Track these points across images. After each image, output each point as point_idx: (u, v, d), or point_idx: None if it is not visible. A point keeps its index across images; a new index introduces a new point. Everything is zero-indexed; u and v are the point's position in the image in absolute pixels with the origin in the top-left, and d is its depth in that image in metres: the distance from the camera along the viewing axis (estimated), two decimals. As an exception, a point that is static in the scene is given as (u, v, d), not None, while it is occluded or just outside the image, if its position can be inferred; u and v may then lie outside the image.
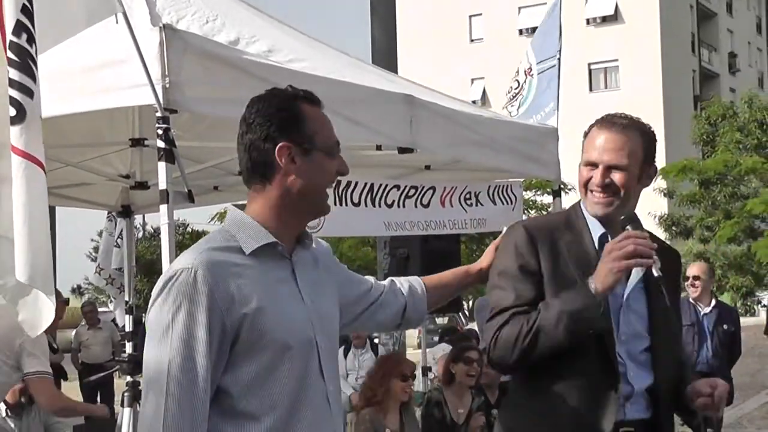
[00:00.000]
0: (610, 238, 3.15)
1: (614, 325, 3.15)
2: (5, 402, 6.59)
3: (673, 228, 39.56)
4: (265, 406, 2.58)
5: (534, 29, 8.62)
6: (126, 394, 6.11)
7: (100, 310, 17.19)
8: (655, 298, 3.22)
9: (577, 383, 3.15)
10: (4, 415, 6.60)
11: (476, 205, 7.10)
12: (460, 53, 56.82)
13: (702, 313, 8.81)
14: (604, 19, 54.78)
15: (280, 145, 2.65)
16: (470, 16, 58.47)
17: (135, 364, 6.19)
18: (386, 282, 3.31)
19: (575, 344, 3.08)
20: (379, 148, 6.07)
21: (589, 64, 54.47)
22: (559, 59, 7.62)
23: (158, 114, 4.28)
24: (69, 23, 3.97)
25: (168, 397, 2.48)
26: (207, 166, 6.60)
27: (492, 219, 7.13)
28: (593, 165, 3.20)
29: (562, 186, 7.69)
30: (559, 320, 3.06)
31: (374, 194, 6.39)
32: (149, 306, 2.60)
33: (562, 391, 3.17)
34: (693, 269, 9.05)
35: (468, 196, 7.06)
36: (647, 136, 3.25)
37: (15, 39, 3.49)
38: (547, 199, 32.17)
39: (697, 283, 8.83)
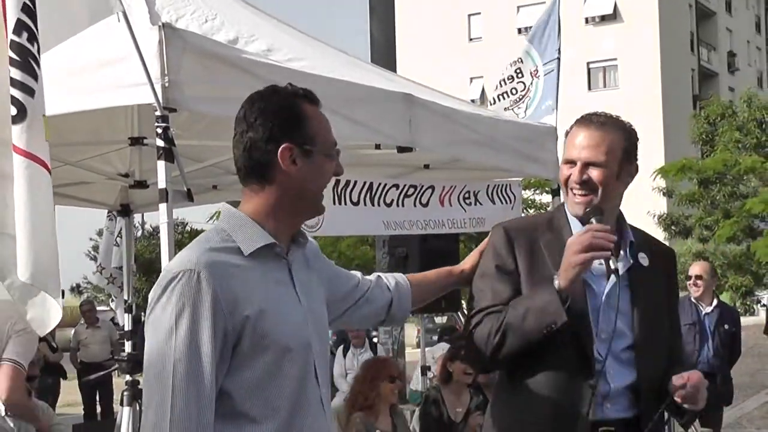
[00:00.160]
0: None
1: (593, 324, 3.14)
2: (3, 402, 6.59)
3: (672, 227, 39.56)
4: (266, 410, 2.56)
5: (533, 29, 8.60)
6: (125, 393, 6.11)
7: (98, 309, 17.19)
8: (640, 296, 3.22)
9: (555, 381, 3.16)
10: (3, 414, 6.59)
11: (475, 204, 7.11)
12: (459, 52, 56.81)
13: (703, 312, 8.81)
14: (603, 18, 54.77)
15: (283, 146, 2.63)
16: (469, 15, 58.47)
17: (134, 363, 6.19)
18: (372, 277, 3.30)
19: (548, 341, 3.08)
20: (378, 147, 6.07)
21: (588, 63, 54.46)
22: (558, 58, 7.63)
23: (157, 113, 4.27)
24: (71, 22, 3.98)
25: (174, 402, 2.45)
26: (206, 164, 6.60)
27: (491, 218, 7.12)
28: (572, 163, 3.23)
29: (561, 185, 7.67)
30: (524, 317, 3.09)
31: (373, 193, 6.39)
32: (149, 307, 2.56)
33: (540, 390, 3.18)
34: (695, 269, 9.04)
35: (467, 195, 7.06)
36: (627, 133, 3.26)
37: (15, 38, 3.50)
38: (546, 198, 32.16)
39: (699, 282, 8.82)
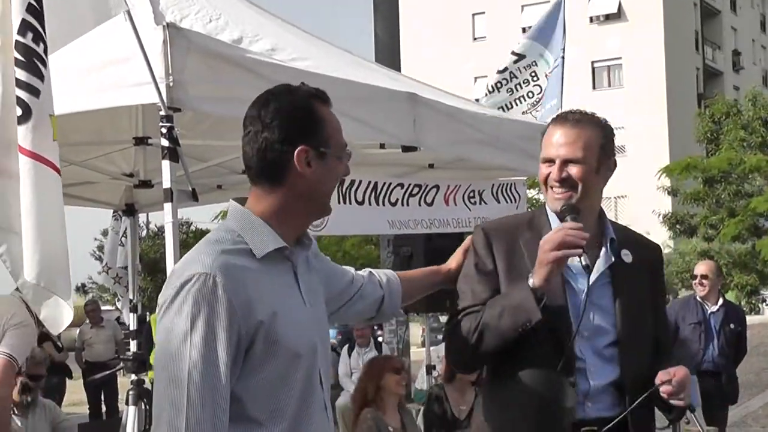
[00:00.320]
0: None
1: (574, 321, 3.13)
2: (11, 400, 6.61)
3: (677, 226, 39.56)
4: (273, 413, 2.55)
5: (538, 28, 8.60)
6: (131, 392, 6.11)
7: (103, 308, 17.19)
8: (623, 292, 3.21)
9: (536, 380, 3.15)
10: (10, 413, 6.61)
11: (480, 203, 7.10)
12: (463, 51, 56.77)
13: (709, 311, 8.79)
14: (608, 17, 54.73)
15: (299, 148, 2.60)
16: (473, 15, 58.44)
17: (140, 363, 6.20)
18: (365, 273, 3.29)
19: (528, 339, 3.09)
20: (382, 146, 6.08)
21: (593, 62, 54.43)
22: (563, 57, 7.64)
23: (162, 112, 4.28)
24: (78, 23, 3.98)
25: (189, 406, 2.41)
26: (210, 164, 6.60)
27: (496, 217, 7.11)
28: (550, 161, 3.23)
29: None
30: (500, 316, 3.10)
31: (378, 192, 6.39)
32: (161, 309, 2.51)
33: (522, 389, 3.18)
34: (701, 268, 9.02)
35: (471, 194, 7.05)
36: (602, 129, 3.27)
37: (20, 38, 3.50)
38: (551, 197, 32.11)
39: (705, 282, 8.81)
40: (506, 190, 7.30)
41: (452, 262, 3.45)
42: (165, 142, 4.32)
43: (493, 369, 3.33)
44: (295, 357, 2.57)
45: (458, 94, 6.80)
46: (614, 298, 3.21)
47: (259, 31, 5.13)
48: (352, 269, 3.27)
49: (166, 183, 4.34)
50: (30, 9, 3.51)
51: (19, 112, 3.48)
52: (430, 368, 9.64)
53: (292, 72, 4.73)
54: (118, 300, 8.53)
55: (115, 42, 4.45)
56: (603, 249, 3.25)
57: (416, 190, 6.68)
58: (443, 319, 23.33)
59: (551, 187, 3.23)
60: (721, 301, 8.90)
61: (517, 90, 7.91)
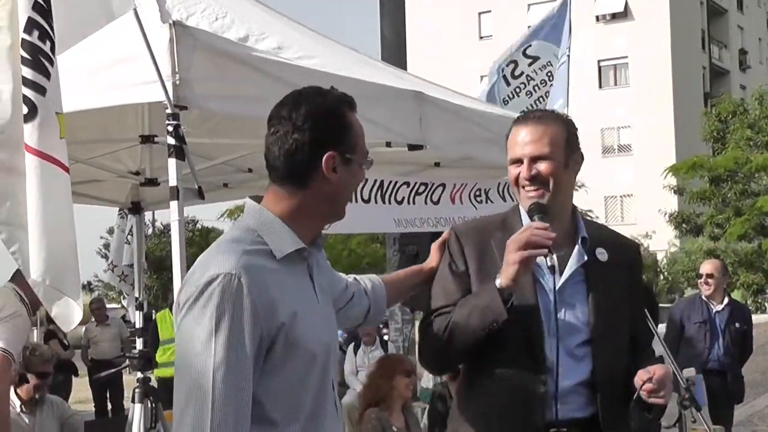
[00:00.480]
0: None
1: (545, 321, 3.13)
2: (19, 398, 6.63)
3: (684, 225, 39.49)
4: (289, 414, 2.56)
5: (544, 27, 8.60)
6: (137, 390, 6.11)
7: (108, 306, 17.21)
8: (597, 290, 3.19)
9: (506, 381, 3.15)
10: (18, 410, 6.63)
11: (486, 201, 7.09)
12: (469, 50, 56.74)
13: (714, 310, 8.79)
14: (614, 16, 54.70)
15: (328, 153, 2.61)
16: (479, 13, 58.43)
17: (146, 360, 6.21)
18: (351, 279, 3.31)
19: (499, 340, 3.09)
20: (388, 145, 6.07)
21: (599, 61, 54.39)
22: (568, 56, 7.63)
23: (168, 111, 4.27)
24: (89, 21, 3.98)
25: (214, 408, 2.40)
26: (217, 162, 6.61)
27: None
28: (518, 161, 3.24)
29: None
30: (468, 316, 3.10)
31: (384, 191, 6.38)
32: (184, 308, 2.50)
33: (492, 390, 3.19)
34: (706, 267, 9.02)
35: (478, 192, 7.04)
36: (565, 123, 3.29)
37: (27, 36, 3.50)
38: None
39: (710, 281, 8.80)
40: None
41: (432, 260, 3.44)
42: (171, 140, 4.32)
43: (466, 369, 3.34)
44: (312, 358, 2.59)
45: (464, 93, 6.79)
46: (587, 297, 3.19)
47: (265, 30, 5.13)
48: (343, 275, 3.29)
49: (173, 181, 4.34)
50: (36, 7, 3.52)
51: (24, 110, 3.48)
52: (435, 367, 9.61)
53: (298, 70, 4.73)
54: (124, 298, 8.54)
55: (122, 40, 4.45)
56: (577, 247, 3.23)
57: (422, 188, 6.68)
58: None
59: (523, 187, 3.23)
60: (726, 300, 8.89)
61: (535, 91, 7.92)
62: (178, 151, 4.33)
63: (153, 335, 11.52)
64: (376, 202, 6.31)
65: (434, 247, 3.45)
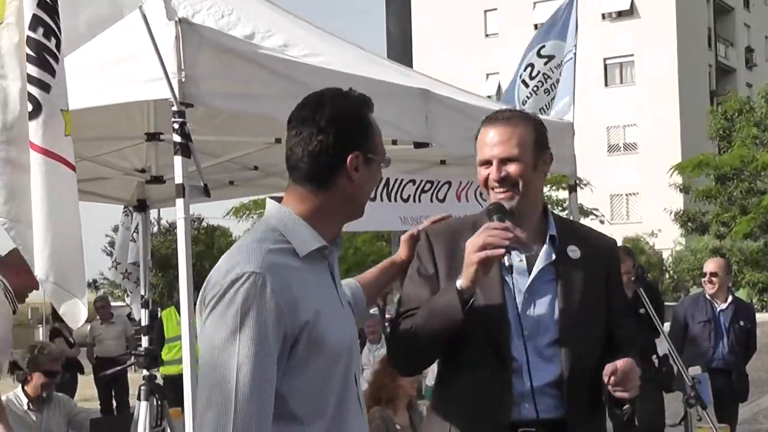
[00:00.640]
0: None
1: (514, 321, 3.11)
2: (27, 395, 6.64)
3: (689, 224, 39.51)
4: (314, 411, 2.57)
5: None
6: (143, 387, 6.11)
7: (113, 304, 17.23)
8: (567, 289, 3.16)
9: (474, 381, 3.14)
10: (25, 408, 6.64)
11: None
12: (475, 48, 56.77)
13: (718, 309, 8.77)
14: (620, 14, 54.65)
15: (352, 154, 2.65)
16: (485, 11, 58.42)
17: (151, 358, 6.21)
18: None
19: (466, 341, 3.08)
20: (394, 142, 6.07)
21: (605, 59, 54.34)
22: (575, 53, 7.62)
23: (174, 108, 4.27)
24: (98, 20, 3.97)
25: (237, 406, 2.42)
26: (223, 160, 6.61)
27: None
28: (488, 163, 3.22)
29: (577, 181, 7.66)
30: (430, 317, 3.09)
31: (390, 189, 6.38)
32: (209, 307, 2.51)
33: (463, 391, 3.18)
34: (710, 265, 9.00)
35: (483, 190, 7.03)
36: (534, 124, 3.27)
37: (31, 34, 3.50)
38: (563, 194, 32.12)
39: (714, 279, 8.78)
40: (518, 187, 7.27)
41: (401, 252, 3.44)
42: (177, 138, 4.32)
43: (439, 369, 3.33)
44: (336, 356, 2.61)
45: (470, 91, 6.79)
46: (558, 295, 3.16)
47: (271, 27, 5.13)
48: None
49: (178, 179, 4.34)
50: (41, 4, 3.51)
51: (29, 107, 3.48)
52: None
53: (304, 68, 4.73)
54: (128, 296, 8.54)
55: (128, 38, 4.45)
56: (545, 246, 3.21)
57: (428, 186, 6.68)
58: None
59: (492, 189, 3.23)
60: (730, 298, 8.86)
61: (552, 90, 7.89)
62: (184, 149, 4.33)
63: (159, 333, 11.53)
64: (382, 200, 6.31)
65: (403, 239, 3.44)
